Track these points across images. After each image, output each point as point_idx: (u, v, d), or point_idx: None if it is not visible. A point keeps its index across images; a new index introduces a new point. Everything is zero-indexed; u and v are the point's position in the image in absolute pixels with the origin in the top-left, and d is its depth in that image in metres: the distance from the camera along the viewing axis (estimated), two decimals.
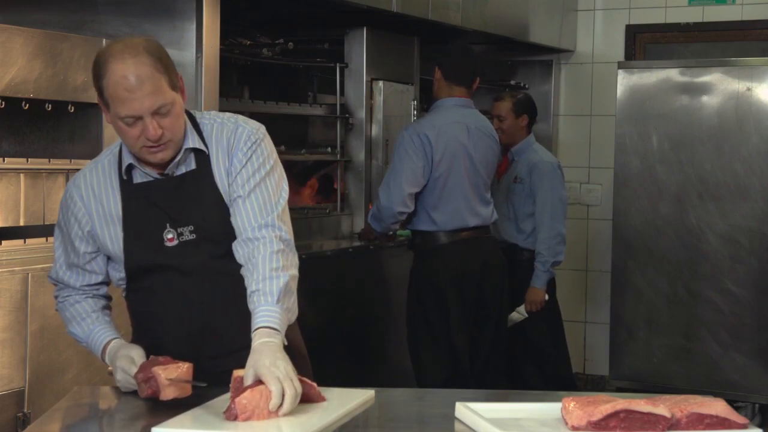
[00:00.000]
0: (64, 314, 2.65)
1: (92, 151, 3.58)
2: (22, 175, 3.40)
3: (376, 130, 5.15)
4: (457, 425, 2.26)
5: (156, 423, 2.16)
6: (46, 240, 3.44)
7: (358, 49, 5.07)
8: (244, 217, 2.50)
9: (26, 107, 3.34)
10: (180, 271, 2.53)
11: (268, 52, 4.75)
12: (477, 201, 4.68)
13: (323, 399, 2.37)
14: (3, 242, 3.31)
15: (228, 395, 2.36)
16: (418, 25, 5.21)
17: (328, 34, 5.15)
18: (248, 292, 2.42)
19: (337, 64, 5.07)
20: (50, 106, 3.43)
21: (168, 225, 2.52)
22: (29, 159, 3.43)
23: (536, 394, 2.93)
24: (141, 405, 2.47)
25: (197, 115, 2.60)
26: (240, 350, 2.44)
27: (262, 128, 2.60)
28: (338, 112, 5.09)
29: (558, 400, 2.25)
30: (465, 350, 4.64)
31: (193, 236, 2.52)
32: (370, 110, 5.12)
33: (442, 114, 4.68)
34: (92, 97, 3.50)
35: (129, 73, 2.37)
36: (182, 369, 2.38)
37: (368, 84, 5.08)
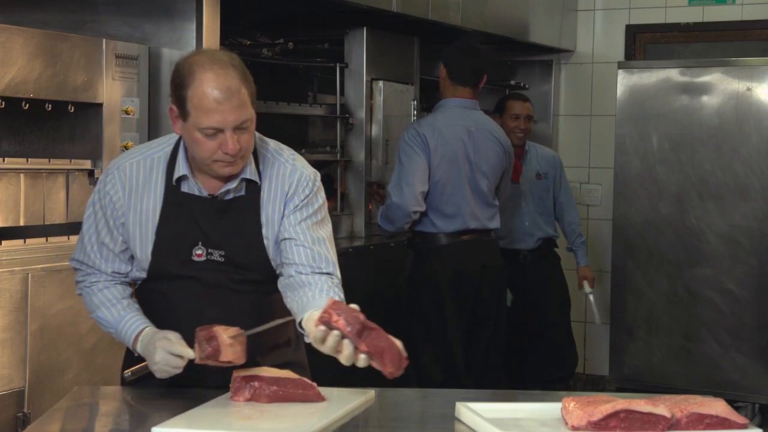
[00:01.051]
0: (91, 299, 2.61)
1: (92, 151, 3.59)
2: (22, 175, 3.40)
3: (376, 130, 5.15)
4: (457, 425, 2.27)
5: (156, 423, 2.16)
6: (46, 240, 3.44)
7: (358, 49, 5.07)
8: (302, 256, 2.52)
9: (26, 107, 3.34)
10: (201, 283, 2.54)
11: (268, 52, 4.75)
12: (478, 205, 4.63)
13: (323, 399, 2.37)
14: (3, 242, 3.31)
15: (228, 395, 2.36)
16: (418, 25, 5.21)
17: (328, 34, 5.15)
18: (301, 297, 2.46)
19: (337, 64, 5.07)
20: (50, 106, 3.43)
21: (201, 243, 2.52)
22: (29, 159, 3.42)
23: (536, 394, 2.94)
24: (141, 405, 2.47)
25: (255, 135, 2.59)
26: (247, 366, 2.44)
27: (318, 176, 2.63)
28: (338, 112, 5.09)
29: (558, 400, 2.25)
30: (460, 351, 4.62)
31: (221, 259, 2.53)
32: (370, 110, 5.12)
33: (444, 115, 4.63)
34: (92, 97, 3.53)
35: (218, 85, 2.37)
36: (241, 333, 2.38)
37: (368, 84, 5.08)
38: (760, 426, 2.16)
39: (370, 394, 2.48)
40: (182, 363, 2.40)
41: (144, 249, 2.54)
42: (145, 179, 2.54)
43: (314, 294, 2.44)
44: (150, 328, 2.52)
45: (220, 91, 2.36)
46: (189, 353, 2.39)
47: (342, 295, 2.50)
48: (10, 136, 3.44)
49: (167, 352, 2.40)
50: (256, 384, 2.34)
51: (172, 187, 2.53)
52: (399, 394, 2.67)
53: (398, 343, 2.30)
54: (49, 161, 3.47)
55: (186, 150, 2.51)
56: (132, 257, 2.58)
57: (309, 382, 2.38)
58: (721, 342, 5.69)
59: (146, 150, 2.59)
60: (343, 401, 2.38)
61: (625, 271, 5.93)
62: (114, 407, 2.54)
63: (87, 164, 3.58)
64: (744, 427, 2.14)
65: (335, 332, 2.24)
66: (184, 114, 2.42)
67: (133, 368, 2.55)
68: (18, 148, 3.46)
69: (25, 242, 3.37)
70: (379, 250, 4.96)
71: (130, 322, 2.54)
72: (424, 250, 4.66)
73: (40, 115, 3.45)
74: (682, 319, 5.77)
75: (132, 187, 2.54)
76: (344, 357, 2.26)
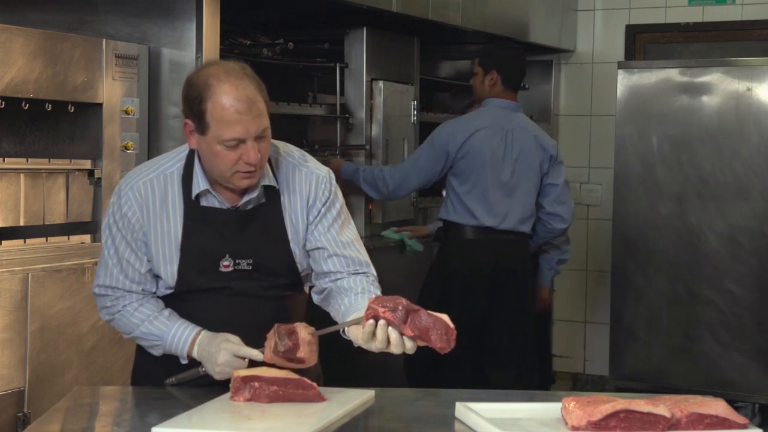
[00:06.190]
0: (129, 320, 2.57)
1: (92, 151, 3.59)
2: (22, 175, 3.40)
3: (376, 130, 5.15)
4: (457, 425, 2.27)
5: (156, 423, 2.17)
6: (46, 240, 3.44)
7: (358, 49, 5.07)
8: (337, 264, 2.56)
9: (26, 107, 3.34)
10: (229, 291, 2.54)
11: (268, 52, 4.75)
12: (504, 203, 4.62)
13: (323, 399, 2.37)
14: (3, 242, 3.31)
15: (228, 395, 2.36)
16: (418, 25, 5.21)
17: (328, 34, 5.15)
18: (340, 304, 2.50)
19: (337, 64, 5.06)
20: (50, 106, 3.43)
21: (228, 255, 2.52)
22: (29, 159, 3.43)
23: (536, 394, 2.93)
24: (141, 405, 2.47)
25: None
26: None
27: (332, 173, 2.64)
28: (338, 112, 5.09)
29: (558, 400, 2.25)
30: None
31: (249, 267, 2.53)
32: (370, 110, 5.12)
33: (487, 113, 4.71)
34: (92, 97, 3.53)
35: (238, 95, 2.37)
36: (316, 333, 2.40)
37: (368, 84, 5.08)
38: (760, 426, 2.16)
39: (370, 394, 2.48)
40: (245, 365, 2.42)
41: (169, 267, 2.52)
42: (162, 197, 2.52)
43: (351, 299, 2.48)
44: (206, 332, 2.51)
45: (240, 102, 2.36)
46: (255, 354, 2.40)
47: (379, 292, 2.53)
48: (10, 136, 3.44)
49: (232, 354, 2.42)
50: (256, 384, 2.34)
51: (192, 203, 2.51)
52: (399, 394, 2.67)
53: (443, 317, 2.30)
54: (49, 161, 3.47)
55: (202, 164, 2.50)
56: (156, 276, 2.56)
57: (309, 382, 2.38)
58: (721, 342, 5.68)
59: (157, 167, 2.56)
60: (343, 401, 2.38)
61: (625, 271, 5.93)
62: (114, 407, 2.54)
63: (87, 164, 3.59)
64: (744, 427, 2.14)
65: (381, 322, 2.28)
66: (202, 128, 2.40)
67: (179, 375, 2.54)
68: (18, 148, 3.46)
69: (25, 242, 3.37)
70: (379, 250, 4.95)
71: (180, 330, 2.52)
72: (444, 245, 4.72)
73: (40, 115, 3.45)
74: (682, 319, 5.77)
75: (149, 206, 2.52)
76: (393, 346, 2.28)
